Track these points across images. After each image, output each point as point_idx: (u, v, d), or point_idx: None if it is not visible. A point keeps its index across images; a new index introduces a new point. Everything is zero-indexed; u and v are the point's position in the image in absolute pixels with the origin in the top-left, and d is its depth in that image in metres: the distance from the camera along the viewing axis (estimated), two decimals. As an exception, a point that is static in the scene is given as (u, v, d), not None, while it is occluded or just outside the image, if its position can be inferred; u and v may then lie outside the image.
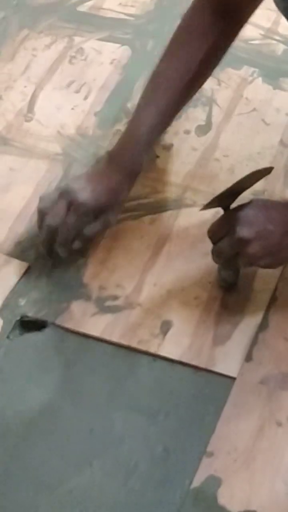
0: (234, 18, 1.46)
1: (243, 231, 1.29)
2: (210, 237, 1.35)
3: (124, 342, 1.35)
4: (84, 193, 1.39)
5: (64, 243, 1.40)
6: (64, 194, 1.40)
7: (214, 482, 1.20)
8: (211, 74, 1.54)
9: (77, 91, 1.68)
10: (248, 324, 1.36)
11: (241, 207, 1.32)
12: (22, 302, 1.39)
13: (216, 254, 1.35)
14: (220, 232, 1.33)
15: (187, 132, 1.62)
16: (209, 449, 1.23)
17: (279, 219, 1.30)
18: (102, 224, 1.41)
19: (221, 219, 1.35)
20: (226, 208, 1.35)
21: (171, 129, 1.61)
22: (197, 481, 1.20)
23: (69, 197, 1.39)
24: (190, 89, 1.50)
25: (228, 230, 1.31)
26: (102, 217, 1.40)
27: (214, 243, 1.34)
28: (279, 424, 1.25)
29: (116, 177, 1.42)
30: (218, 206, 1.36)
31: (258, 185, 1.45)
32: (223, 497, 1.19)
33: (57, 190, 1.42)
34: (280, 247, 1.30)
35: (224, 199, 1.34)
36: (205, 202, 1.48)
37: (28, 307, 1.38)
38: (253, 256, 1.30)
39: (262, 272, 1.41)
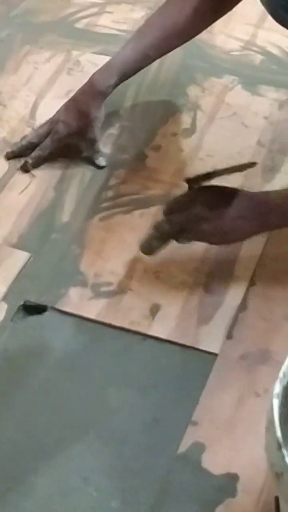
0: None
1: (202, 209, 1.31)
2: (167, 208, 1.35)
3: (117, 323, 1.34)
4: (60, 124, 1.54)
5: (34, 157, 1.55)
6: (50, 123, 1.56)
7: (199, 448, 1.20)
8: (196, 34, 1.57)
9: (74, 100, 1.67)
10: (229, 306, 1.35)
11: (204, 188, 1.34)
12: (25, 288, 1.38)
13: (168, 223, 1.34)
14: (178, 206, 1.34)
15: (174, 134, 1.61)
16: (194, 418, 1.23)
17: (235, 204, 1.31)
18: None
19: (184, 195, 1.36)
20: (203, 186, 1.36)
21: (159, 132, 1.61)
22: (183, 447, 1.20)
23: (50, 126, 1.55)
24: (172, 39, 1.54)
25: (187, 206, 1.32)
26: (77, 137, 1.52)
27: (166, 214, 1.35)
28: (257, 395, 1.24)
29: (86, 99, 1.53)
30: (198, 183, 1.36)
31: (237, 181, 1.45)
32: (207, 462, 1.18)
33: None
34: (231, 228, 1.32)
35: (199, 181, 1.36)
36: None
37: (30, 293, 1.37)
38: (206, 233, 1.33)
39: (241, 259, 1.41)
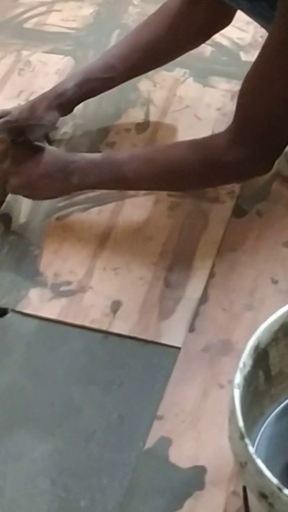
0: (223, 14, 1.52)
1: (10, 165, 1.40)
2: None
3: (78, 322, 1.33)
4: (14, 110, 1.55)
5: None
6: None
7: (165, 442, 1.19)
8: (166, 58, 1.58)
9: (27, 100, 1.64)
10: (190, 298, 1.35)
11: (16, 143, 1.40)
12: (-16, 292, 1.38)
13: None
14: None
15: (127, 130, 1.61)
16: (159, 413, 1.22)
17: (42, 163, 1.38)
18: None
19: (4, 149, 1.42)
20: (12, 140, 1.41)
21: (112, 129, 1.61)
22: (149, 443, 1.19)
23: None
24: (138, 54, 1.53)
25: (3, 160, 1.40)
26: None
27: None
28: (221, 386, 1.24)
29: (41, 97, 1.54)
30: (6, 136, 1.42)
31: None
32: (174, 456, 1.18)
33: None
34: (36, 185, 1.39)
35: (12, 134, 1.41)
36: (146, 192, 1.49)
37: (-10, 297, 1.37)
38: (14, 187, 1.41)
39: (200, 251, 1.41)
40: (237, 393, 0.94)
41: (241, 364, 0.97)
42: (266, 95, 1.28)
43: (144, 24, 1.56)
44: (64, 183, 1.39)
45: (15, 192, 1.43)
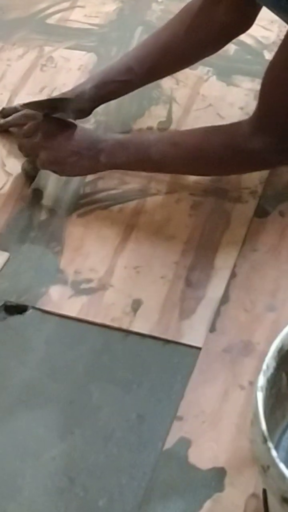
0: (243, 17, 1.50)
1: (41, 139, 1.42)
2: (22, 132, 1.47)
3: (98, 320, 1.32)
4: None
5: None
6: None
7: (185, 443, 1.18)
8: (185, 62, 1.56)
9: (49, 96, 1.64)
10: (211, 298, 1.34)
11: (49, 118, 1.43)
12: (5, 289, 1.36)
13: (19, 147, 1.49)
14: (30, 132, 1.44)
15: (150, 128, 1.60)
16: (179, 413, 1.21)
17: (72, 139, 1.41)
18: None
19: (37, 123, 1.44)
20: (45, 115, 1.44)
21: (135, 126, 1.60)
22: (169, 443, 1.18)
23: None
24: (157, 56, 1.52)
25: (32, 133, 1.43)
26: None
27: (21, 138, 1.47)
28: (242, 387, 1.23)
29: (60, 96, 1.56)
30: (39, 110, 1.45)
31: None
32: (193, 457, 1.17)
33: None
34: (65, 161, 1.41)
35: (45, 108, 1.44)
36: (168, 190, 1.48)
37: (10, 293, 1.36)
38: (45, 161, 1.42)
39: (222, 251, 1.40)
40: (260, 396, 0.92)
41: (264, 366, 0.96)
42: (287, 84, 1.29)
43: (165, 26, 1.54)
44: (93, 161, 1.41)
45: (44, 166, 1.44)
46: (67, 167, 1.42)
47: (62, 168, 1.43)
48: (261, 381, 0.94)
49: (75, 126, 1.42)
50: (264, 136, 1.32)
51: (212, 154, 1.37)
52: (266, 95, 1.33)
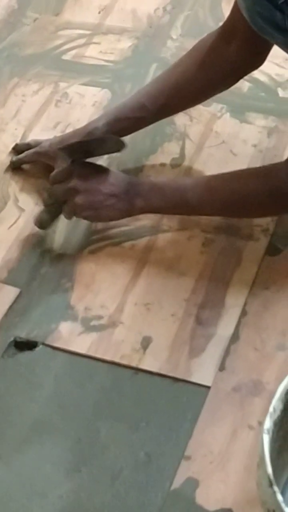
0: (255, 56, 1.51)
1: (77, 183, 1.40)
2: (51, 178, 1.43)
3: (108, 357, 1.32)
4: (45, 141, 1.58)
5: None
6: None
7: (192, 483, 1.18)
8: (197, 99, 1.57)
9: (63, 131, 1.65)
10: (221, 337, 1.34)
11: (83, 163, 1.43)
12: (15, 324, 1.37)
13: (49, 194, 1.45)
14: (60, 177, 1.42)
15: (162, 165, 1.60)
16: (187, 453, 1.21)
17: (109, 183, 1.40)
18: None
19: (66, 168, 1.42)
20: (74, 160, 1.43)
21: (148, 163, 1.61)
22: (176, 483, 1.18)
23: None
24: (169, 93, 1.52)
25: (65, 179, 1.41)
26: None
27: (51, 184, 1.43)
28: (251, 428, 1.23)
29: (72, 134, 1.56)
30: (69, 156, 1.43)
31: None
32: (201, 497, 1.16)
33: None
34: (102, 205, 1.40)
35: (74, 152, 1.42)
36: (180, 227, 1.49)
37: (20, 329, 1.36)
38: (78, 206, 1.41)
39: (232, 289, 1.39)
40: (266, 439, 0.92)
41: (271, 409, 0.95)
42: None
43: (177, 63, 1.56)
44: (129, 204, 1.41)
45: (77, 212, 1.42)
46: (103, 211, 1.41)
47: (98, 212, 1.42)
48: (268, 423, 0.94)
49: (108, 170, 1.42)
50: None
51: (251, 199, 1.38)
52: None
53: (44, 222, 1.47)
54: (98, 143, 1.45)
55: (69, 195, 1.41)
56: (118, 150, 1.46)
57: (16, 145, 1.62)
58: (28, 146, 1.59)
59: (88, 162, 1.43)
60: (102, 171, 1.42)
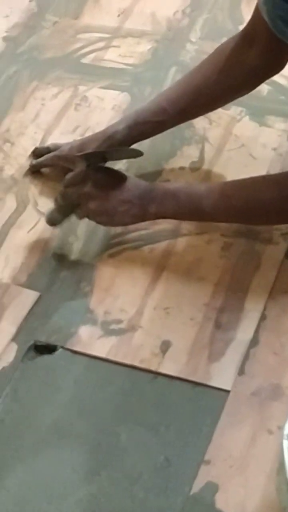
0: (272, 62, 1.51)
1: (91, 188, 1.41)
2: (65, 182, 1.45)
3: (127, 361, 1.33)
4: (65, 144, 1.59)
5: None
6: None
7: (212, 488, 1.18)
8: (217, 103, 1.58)
9: (82, 135, 1.66)
10: (240, 341, 1.34)
11: (98, 168, 1.43)
12: (35, 328, 1.38)
13: (62, 196, 1.45)
14: (74, 180, 1.43)
15: (182, 168, 1.61)
16: (206, 457, 1.21)
17: (122, 188, 1.41)
18: None
19: (81, 172, 1.43)
20: (90, 164, 1.43)
21: (167, 166, 1.61)
22: (196, 488, 1.18)
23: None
24: (190, 97, 1.53)
25: (80, 183, 1.42)
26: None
27: (65, 187, 1.44)
28: (270, 432, 1.23)
29: (92, 137, 1.57)
30: (86, 162, 1.43)
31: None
32: (220, 502, 1.17)
33: None
34: (115, 211, 1.41)
35: (91, 158, 1.43)
36: (199, 231, 1.49)
37: (40, 333, 1.37)
38: (92, 211, 1.42)
39: (252, 293, 1.40)
40: (286, 445, 0.92)
41: (291, 414, 0.95)
42: None
43: (197, 67, 1.56)
44: (142, 210, 1.41)
45: (91, 216, 1.44)
46: (117, 217, 1.42)
47: (111, 218, 1.43)
48: None
49: (125, 176, 1.43)
50: None
51: (266, 206, 1.38)
52: None
53: (55, 220, 1.48)
54: (115, 152, 1.47)
55: (82, 199, 1.42)
56: (134, 157, 1.49)
57: (36, 149, 1.63)
58: (48, 150, 1.60)
59: (103, 167, 1.44)
60: (116, 176, 1.43)
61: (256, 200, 1.38)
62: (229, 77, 1.51)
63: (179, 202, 1.40)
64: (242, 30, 1.53)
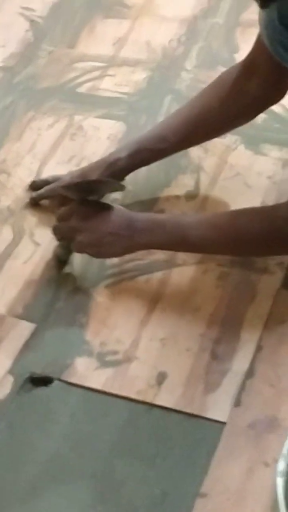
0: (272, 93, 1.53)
1: (77, 222, 1.42)
2: (57, 216, 1.47)
3: (123, 393, 1.33)
4: (66, 175, 1.61)
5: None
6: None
7: (208, 521, 1.18)
8: (219, 131, 1.60)
9: (78, 165, 1.66)
10: (236, 372, 1.34)
11: (84, 201, 1.44)
12: (30, 360, 1.38)
13: (53, 231, 1.47)
14: (65, 216, 1.45)
15: (177, 197, 1.61)
16: (203, 490, 1.21)
17: (109, 220, 1.42)
18: None
19: (71, 206, 1.45)
20: (78, 198, 1.46)
21: (162, 196, 1.61)
22: (192, 521, 1.18)
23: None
24: (191, 126, 1.55)
25: (68, 217, 1.44)
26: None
27: (57, 221, 1.47)
28: (267, 465, 1.22)
29: (93, 165, 1.59)
30: (77, 194, 1.45)
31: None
32: (217, 535, 1.17)
33: None
34: (102, 243, 1.42)
35: (82, 191, 1.45)
36: (195, 261, 1.49)
37: (36, 365, 1.37)
38: (81, 244, 1.43)
39: (247, 323, 1.40)
40: (280, 482, 0.92)
41: (284, 451, 0.95)
42: None
43: (198, 96, 1.58)
44: (130, 241, 1.42)
45: (80, 249, 1.45)
46: (104, 248, 1.43)
47: (99, 250, 1.43)
48: (281, 465, 0.94)
49: (111, 207, 1.44)
50: None
51: (253, 238, 1.38)
52: None
53: (61, 255, 1.50)
54: (99, 184, 1.48)
55: (71, 233, 1.43)
56: (117, 191, 1.51)
57: (33, 182, 1.63)
58: (46, 183, 1.61)
59: (90, 200, 1.44)
60: (103, 208, 1.43)
61: (243, 231, 1.38)
62: (230, 107, 1.52)
63: (166, 232, 1.41)
64: (243, 60, 1.54)
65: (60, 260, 1.50)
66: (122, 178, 1.56)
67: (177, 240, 1.41)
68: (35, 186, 1.63)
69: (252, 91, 1.51)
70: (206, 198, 1.61)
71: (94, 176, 1.54)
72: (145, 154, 1.57)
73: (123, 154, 1.56)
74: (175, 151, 1.60)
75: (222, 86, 1.54)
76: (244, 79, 1.51)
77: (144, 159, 1.58)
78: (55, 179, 1.60)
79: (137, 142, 1.59)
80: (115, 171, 1.55)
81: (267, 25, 1.32)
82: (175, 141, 1.56)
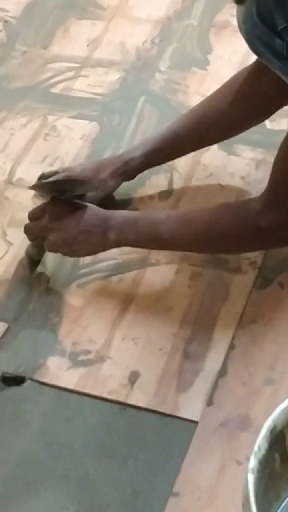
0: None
1: (49, 222, 1.42)
2: (29, 215, 1.46)
3: (96, 393, 1.32)
4: (79, 165, 1.61)
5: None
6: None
7: (180, 520, 1.18)
8: (234, 131, 1.59)
9: (51, 165, 1.66)
10: (209, 371, 1.34)
11: (56, 200, 1.44)
12: (2, 359, 1.37)
13: (25, 231, 1.46)
14: (37, 215, 1.45)
15: (150, 197, 1.61)
16: (175, 489, 1.21)
17: (80, 219, 1.41)
18: None
19: (43, 206, 1.45)
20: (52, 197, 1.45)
21: (136, 195, 1.61)
22: (164, 520, 1.18)
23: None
24: (205, 125, 1.56)
25: (39, 216, 1.43)
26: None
27: (29, 220, 1.46)
28: (239, 463, 1.22)
29: (108, 162, 1.58)
30: (47, 193, 1.47)
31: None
32: (189, 535, 1.16)
33: None
34: (74, 241, 1.42)
35: (52, 190, 1.46)
36: (168, 261, 1.49)
37: (8, 364, 1.36)
38: (53, 244, 1.42)
39: (220, 323, 1.40)
40: (251, 478, 0.92)
41: (256, 448, 0.95)
42: None
43: (211, 96, 1.58)
44: (102, 238, 1.42)
45: (53, 248, 1.44)
46: (77, 246, 1.42)
47: (71, 248, 1.43)
48: (252, 463, 0.94)
49: (83, 206, 1.43)
50: (276, 214, 1.33)
51: (223, 233, 1.38)
52: (277, 174, 1.35)
53: (33, 255, 1.49)
54: (74, 184, 1.47)
55: (44, 232, 1.43)
56: (90, 192, 1.50)
57: (43, 174, 1.61)
58: (55, 174, 1.58)
59: (63, 200, 1.44)
60: (75, 207, 1.43)
61: (215, 226, 1.38)
62: (242, 107, 1.53)
63: (138, 229, 1.41)
64: (254, 61, 1.53)
65: (33, 260, 1.49)
66: (133, 177, 1.57)
67: (149, 237, 1.41)
68: (44, 177, 1.60)
69: (264, 91, 1.50)
70: (179, 198, 1.61)
71: (107, 173, 1.54)
72: (159, 153, 1.58)
73: (138, 153, 1.57)
74: (187, 151, 1.61)
75: (234, 87, 1.54)
76: (255, 79, 1.51)
77: (158, 158, 1.59)
78: (65, 171, 1.59)
79: (150, 142, 1.59)
80: (128, 169, 1.56)
81: (244, 20, 1.32)
82: (189, 141, 1.57)
